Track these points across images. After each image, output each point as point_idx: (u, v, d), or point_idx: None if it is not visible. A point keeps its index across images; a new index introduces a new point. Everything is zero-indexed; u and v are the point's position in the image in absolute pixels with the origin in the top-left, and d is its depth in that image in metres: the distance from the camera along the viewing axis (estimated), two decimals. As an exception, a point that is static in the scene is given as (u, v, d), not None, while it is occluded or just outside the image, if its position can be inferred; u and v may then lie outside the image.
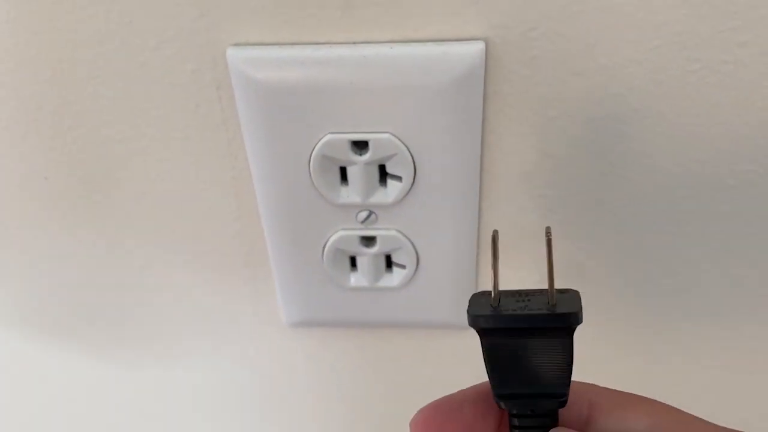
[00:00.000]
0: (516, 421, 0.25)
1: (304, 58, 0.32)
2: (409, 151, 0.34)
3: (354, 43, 0.32)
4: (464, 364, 0.44)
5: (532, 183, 0.36)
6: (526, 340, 0.24)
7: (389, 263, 0.40)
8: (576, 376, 0.25)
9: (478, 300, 0.26)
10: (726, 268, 0.38)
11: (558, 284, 0.25)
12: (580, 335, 0.24)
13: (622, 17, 0.31)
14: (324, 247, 0.39)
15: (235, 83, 0.33)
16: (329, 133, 0.34)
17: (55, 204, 0.40)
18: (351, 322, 0.42)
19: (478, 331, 0.25)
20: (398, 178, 0.35)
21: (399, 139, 0.34)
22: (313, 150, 0.35)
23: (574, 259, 0.39)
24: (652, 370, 0.44)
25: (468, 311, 0.25)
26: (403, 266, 0.39)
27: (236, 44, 0.33)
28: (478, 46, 0.31)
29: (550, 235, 0.24)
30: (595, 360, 0.38)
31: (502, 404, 0.25)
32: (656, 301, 0.40)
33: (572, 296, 0.25)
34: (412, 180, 0.35)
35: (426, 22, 0.32)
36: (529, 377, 0.25)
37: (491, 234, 0.25)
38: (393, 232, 0.37)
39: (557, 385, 0.24)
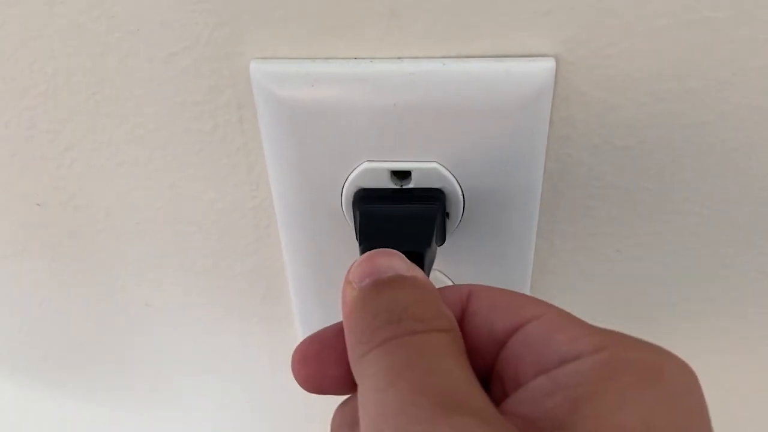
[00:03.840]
0: None
1: (340, 74, 0.28)
2: (459, 184, 0.29)
3: (399, 58, 0.28)
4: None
5: (596, 219, 0.32)
6: None
7: (427, 305, 0.35)
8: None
9: None
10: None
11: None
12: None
13: (718, 33, 0.26)
14: (354, 288, 0.34)
15: (259, 102, 0.29)
16: (366, 160, 0.29)
17: (50, 233, 0.35)
18: (380, 368, 0.38)
19: None
20: (445, 214, 0.30)
21: (448, 170, 0.29)
22: (346, 179, 0.30)
23: (634, 299, 0.34)
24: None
25: None
26: (443, 310, 0.34)
27: (260, 58, 0.28)
28: (548, 64, 0.27)
29: None
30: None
31: None
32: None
33: None
34: (460, 216, 0.30)
35: (485, 35, 0.27)
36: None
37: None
38: (435, 274, 0.33)
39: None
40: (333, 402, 0.41)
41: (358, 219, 0.29)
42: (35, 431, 0.48)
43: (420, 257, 0.27)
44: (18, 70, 0.30)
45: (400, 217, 0.28)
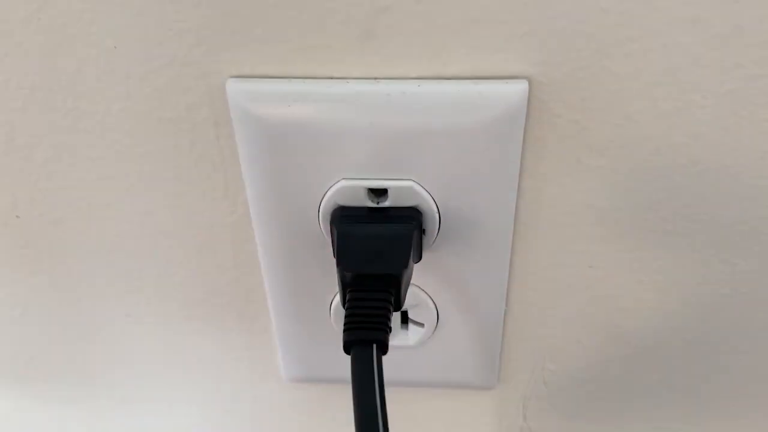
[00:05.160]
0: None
1: (316, 94, 0.28)
2: (434, 201, 0.30)
3: (375, 78, 0.28)
4: (478, 425, 0.40)
5: (570, 237, 0.32)
6: None
7: (405, 319, 0.35)
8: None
9: None
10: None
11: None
12: None
13: (689, 57, 0.26)
14: (331, 302, 0.34)
15: (235, 120, 0.29)
16: (343, 178, 0.29)
17: (29, 245, 0.35)
18: (359, 380, 0.38)
19: None
20: (421, 232, 0.31)
21: (423, 187, 0.29)
22: (323, 197, 0.30)
23: (612, 320, 0.35)
24: None
25: None
26: (420, 324, 0.35)
27: (237, 76, 0.28)
28: (520, 86, 0.27)
29: None
30: None
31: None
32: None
33: None
34: (436, 233, 0.31)
35: (460, 57, 0.27)
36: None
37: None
38: (413, 289, 0.33)
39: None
40: (312, 413, 0.42)
41: (335, 238, 0.29)
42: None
43: (397, 279, 0.28)
44: (-4, 84, 0.30)
45: (376, 238, 0.29)
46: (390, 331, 0.28)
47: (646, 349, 0.36)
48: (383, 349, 0.27)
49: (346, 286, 0.28)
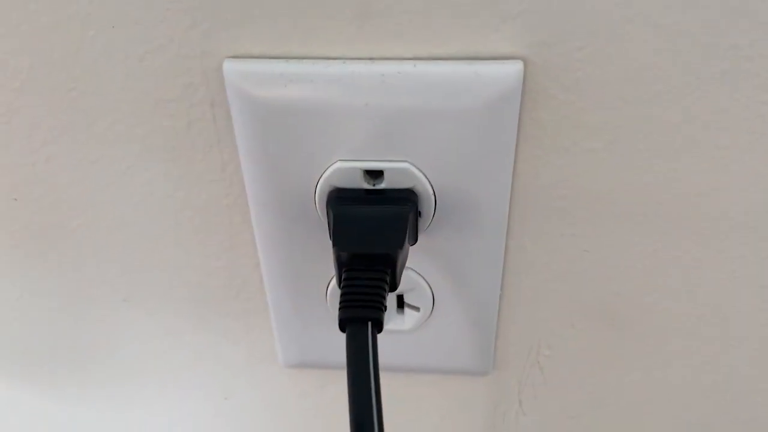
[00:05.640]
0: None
1: (312, 74, 0.28)
2: (430, 183, 0.30)
3: (371, 59, 0.28)
4: (473, 411, 0.40)
5: (565, 220, 0.32)
6: None
7: (400, 303, 0.35)
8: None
9: None
10: None
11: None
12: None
13: (684, 38, 0.26)
14: (328, 285, 0.34)
15: (232, 100, 0.29)
16: (339, 160, 0.30)
17: (25, 227, 0.36)
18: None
19: None
20: (417, 214, 0.31)
21: (419, 169, 0.29)
22: (319, 178, 0.30)
23: (608, 305, 0.35)
24: None
25: None
26: (416, 308, 0.35)
27: (234, 56, 0.29)
28: (516, 67, 0.27)
29: None
30: None
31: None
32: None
33: None
34: (432, 216, 0.31)
35: (455, 37, 0.27)
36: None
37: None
38: (408, 272, 0.33)
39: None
40: (312, 396, 0.42)
41: (331, 220, 0.29)
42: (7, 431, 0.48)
43: (392, 259, 0.28)
44: (-6, 65, 0.30)
45: (372, 219, 0.29)
46: (385, 309, 0.28)
47: (641, 334, 0.36)
48: (378, 326, 0.27)
49: (341, 266, 0.28)
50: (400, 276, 0.29)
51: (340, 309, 0.28)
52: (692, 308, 0.34)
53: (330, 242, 0.30)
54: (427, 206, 0.30)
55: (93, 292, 0.38)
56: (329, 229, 0.30)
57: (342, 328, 0.27)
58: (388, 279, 0.28)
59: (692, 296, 0.34)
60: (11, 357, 0.42)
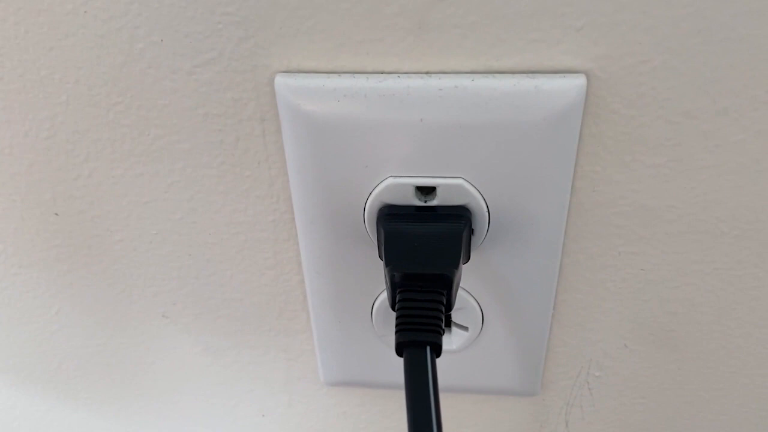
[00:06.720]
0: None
1: (366, 89, 0.27)
2: (484, 200, 0.29)
3: (427, 73, 0.27)
4: (517, 431, 0.39)
5: (622, 238, 0.31)
6: None
7: (448, 322, 0.34)
8: None
9: None
10: None
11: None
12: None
13: (754, 51, 0.25)
14: (374, 304, 0.34)
15: (283, 116, 0.28)
16: (391, 176, 0.29)
17: (67, 242, 0.35)
18: (398, 385, 0.37)
19: None
20: (470, 231, 0.30)
21: (473, 185, 0.29)
22: (369, 195, 0.29)
23: (663, 325, 0.34)
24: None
25: None
26: (464, 328, 0.34)
27: (286, 71, 0.28)
28: (579, 81, 0.26)
29: None
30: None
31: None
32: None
33: None
34: (485, 233, 0.30)
35: (515, 50, 0.26)
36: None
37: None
38: (459, 292, 0.32)
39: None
40: (351, 416, 0.41)
41: (383, 239, 0.28)
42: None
43: (448, 279, 0.27)
44: (39, 78, 0.29)
45: (426, 237, 0.28)
46: (443, 332, 0.27)
47: (698, 355, 0.35)
48: (437, 351, 0.26)
49: (395, 287, 0.28)
50: (455, 296, 0.28)
51: (397, 332, 0.27)
52: (752, 328, 0.33)
53: (378, 260, 0.29)
54: (480, 223, 0.29)
55: (132, 307, 0.38)
56: (378, 247, 0.29)
57: (399, 352, 0.26)
58: (444, 300, 0.27)
59: (752, 316, 0.33)
60: (49, 371, 0.42)
